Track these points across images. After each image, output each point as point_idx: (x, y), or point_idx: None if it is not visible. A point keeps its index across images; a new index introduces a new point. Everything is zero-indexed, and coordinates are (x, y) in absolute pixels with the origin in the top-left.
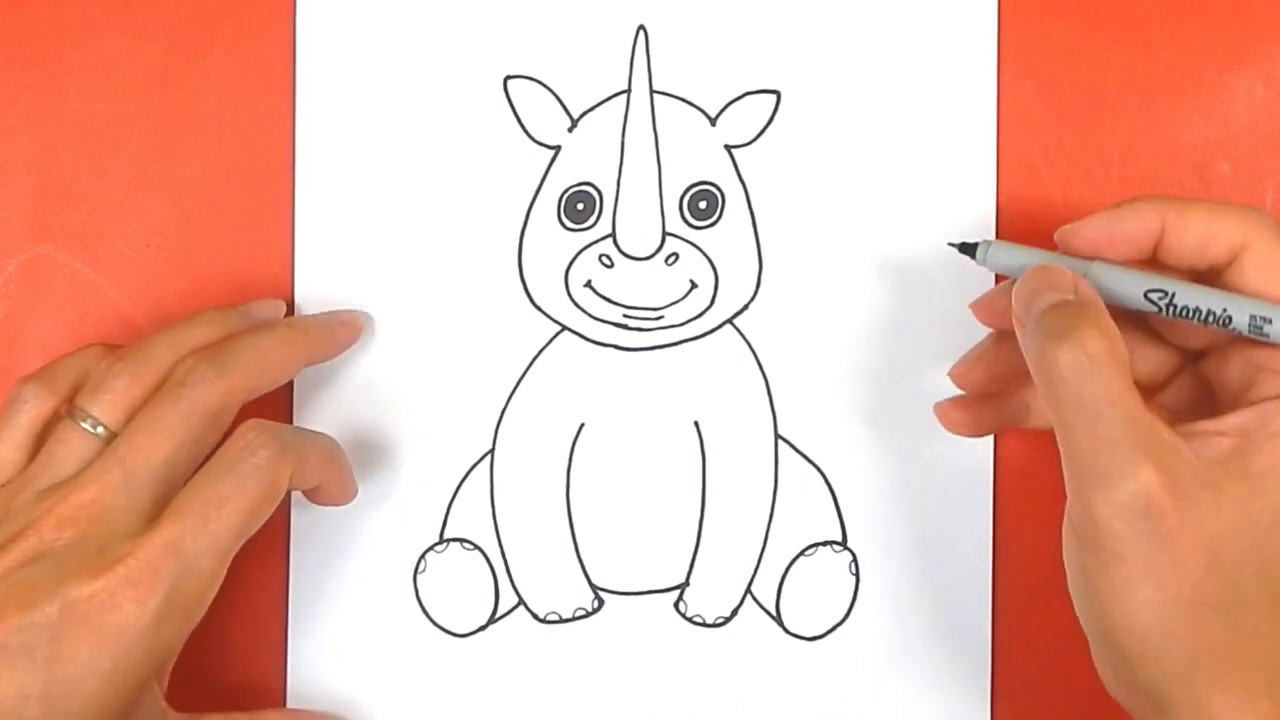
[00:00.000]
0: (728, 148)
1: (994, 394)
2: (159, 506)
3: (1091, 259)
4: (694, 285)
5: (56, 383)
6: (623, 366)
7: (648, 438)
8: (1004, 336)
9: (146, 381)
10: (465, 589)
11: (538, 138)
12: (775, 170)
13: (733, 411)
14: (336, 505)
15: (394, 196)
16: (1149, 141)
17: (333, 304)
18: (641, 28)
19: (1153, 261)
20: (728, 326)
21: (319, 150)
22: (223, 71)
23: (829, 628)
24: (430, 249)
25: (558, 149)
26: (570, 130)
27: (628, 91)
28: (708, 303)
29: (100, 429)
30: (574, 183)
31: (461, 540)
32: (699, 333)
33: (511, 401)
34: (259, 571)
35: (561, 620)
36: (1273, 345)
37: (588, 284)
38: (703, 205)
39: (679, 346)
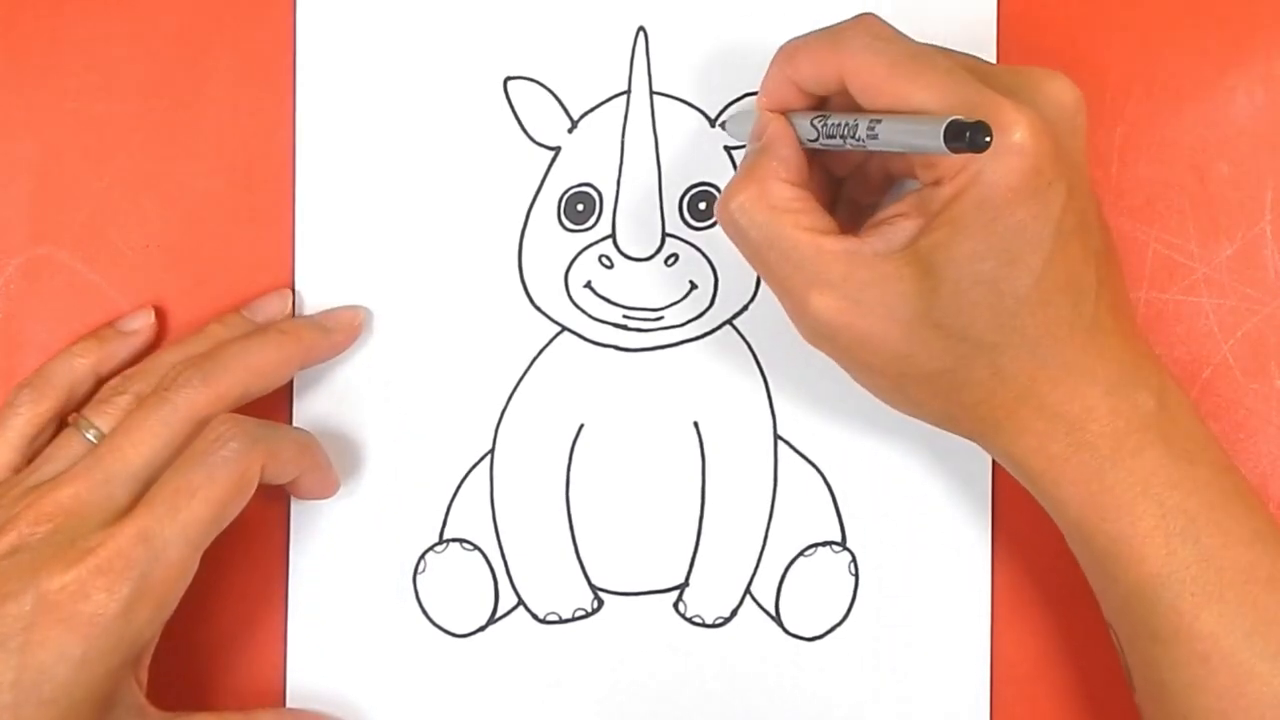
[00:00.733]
0: (727, 149)
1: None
2: (135, 505)
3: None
4: (694, 286)
5: (47, 386)
6: (622, 367)
7: (647, 438)
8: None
9: (146, 395)
10: (465, 589)
11: (538, 139)
12: None
13: (732, 412)
14: (319, 498)
15: (394, 197)
16: (1149, 141)
17: (333, 305)
18: (641, 29)
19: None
20: (727, 327)
21: (319, 150)
22: (223, 72)
23: (828, 628)
24: (430, 249)
25: (558, 150)
26: (570, 131)
27: (628, 92)
28: (707, 303)
29: (98, 438)
30: (574, 183)
31: (461, 540)
32: (698, 333)
33: (511, 402)
34: (259, 571)
35: (561, 620)
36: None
37: (587, 284)
38: (702, 206)
39: (679, 347)
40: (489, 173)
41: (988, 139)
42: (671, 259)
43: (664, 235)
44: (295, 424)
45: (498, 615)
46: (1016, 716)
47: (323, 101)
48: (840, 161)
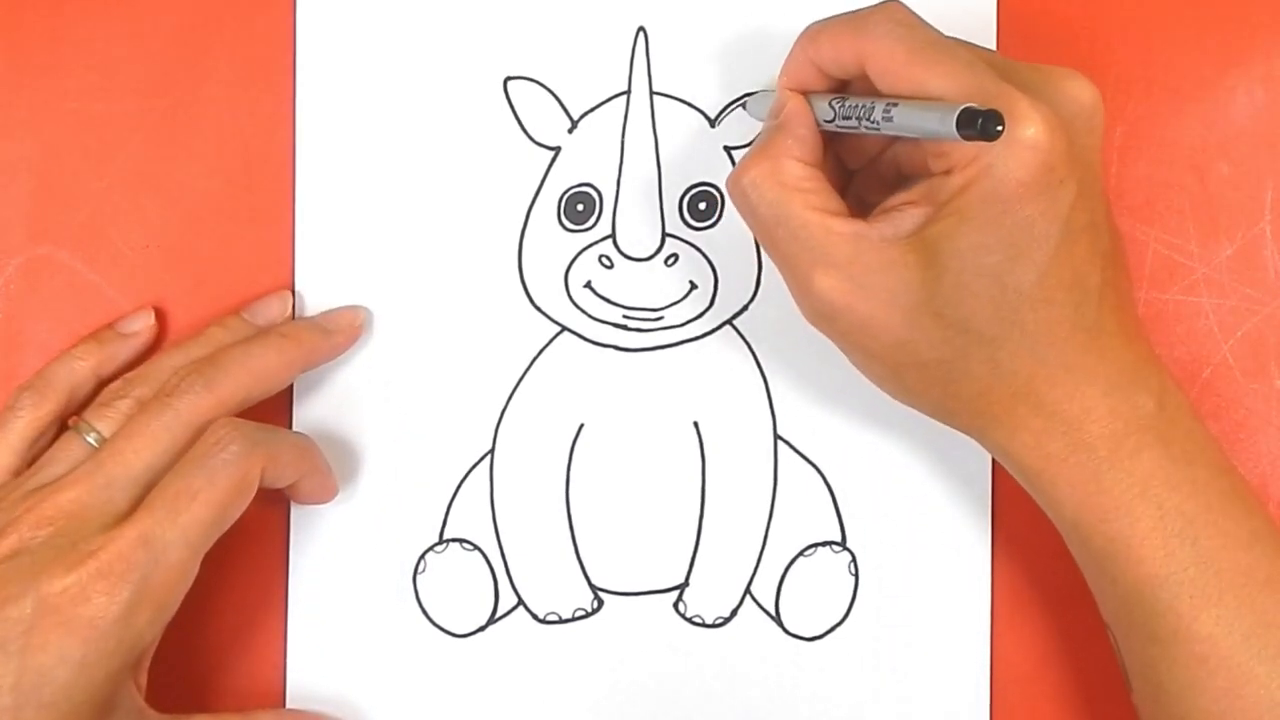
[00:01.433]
0: (727, 149)
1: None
2: (136, 509)
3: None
4: (693, 286)
5: (48, 389)
6: (622, 367)
7: (647, 438)
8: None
9: (147, 399)
10: (465, 589)
11: (538, 139)
12: None
13: (732, 412)
14: (317, 503)
15: (394, 197)
16: (1149, 141)
17: (333, 305)
18: (641, 29)
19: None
20: (727, 327)
21: (319, 150)
22: (223, 72)
23: (828, 628)
24: (430, 250)
25: (558, 150)
26: (570, 131)
27: (627, 93)
28: (707, 303)
29: (99, 441)
30: (574, 183)
31: (461, 540)
32: (698, 333)
33: (511, 402)
34: (259, 571)
35: (561, 620)
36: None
37: (587, 285)
38: (702, 206)
39: (678, 347)
40: (489, 173)
41: (999, 128)
42: (671, 259)
43: (664, 235)
44: (295, 423)
45: (498, 615)
46: (1016, 716)
47: (323, 101)
48: (854, 153)
